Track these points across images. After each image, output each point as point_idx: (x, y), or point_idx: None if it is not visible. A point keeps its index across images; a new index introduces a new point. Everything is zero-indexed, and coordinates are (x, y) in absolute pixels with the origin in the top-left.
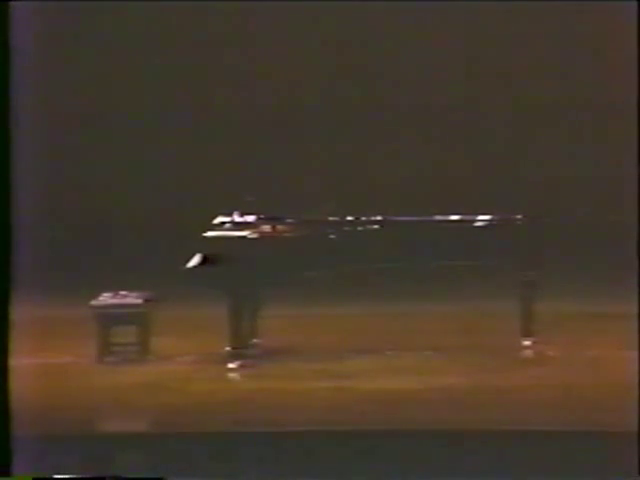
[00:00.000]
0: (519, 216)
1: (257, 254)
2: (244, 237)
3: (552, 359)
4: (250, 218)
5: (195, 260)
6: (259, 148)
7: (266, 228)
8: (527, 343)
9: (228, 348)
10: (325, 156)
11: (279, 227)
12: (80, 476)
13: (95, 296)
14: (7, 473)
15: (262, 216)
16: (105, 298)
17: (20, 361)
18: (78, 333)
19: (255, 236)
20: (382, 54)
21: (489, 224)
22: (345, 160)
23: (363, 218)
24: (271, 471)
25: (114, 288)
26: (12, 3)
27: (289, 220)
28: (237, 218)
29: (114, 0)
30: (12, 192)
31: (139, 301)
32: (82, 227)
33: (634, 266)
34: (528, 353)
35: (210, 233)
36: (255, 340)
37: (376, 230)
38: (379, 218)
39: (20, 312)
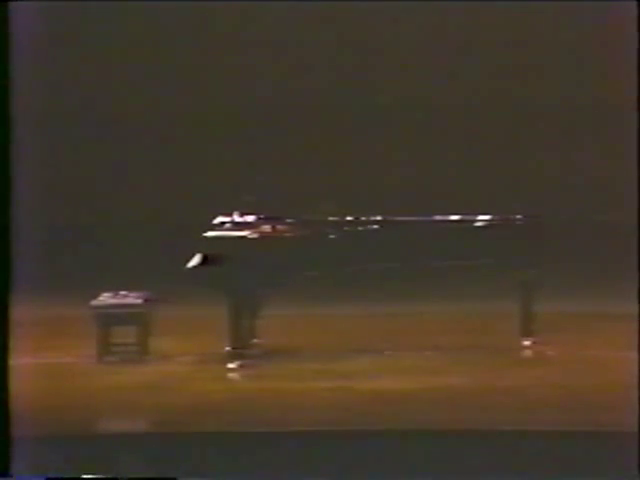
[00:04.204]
0: (519, 216)
1: (257, 254)
2: (244, 237)
3: (552, 359)
4: (250, 218)
5: (195, 260)
6: (259, 148)
7: (266, 228)
8: (527, 343)
9: (228, 348)
10: (325, 156)
11: (279, 227)
12: (80, 476)
13: (95, 296)
14: (7, 473)
15: (262, 216)
16: (105, 298)
17: (20, 361)
18: (78, 333)
19: (255, 236)
20: (383, 54)
21: (489, 224)
22: (345, 160)
23: (363, 218)
24: (271, 471)
25: (114, 288)
26: (12, 3)
27: (289, 220)
28: (237, 218)
29: (114, 0)
30: (12, 193)
31: (139, 301)
32: (82, 227)
33: (634, 266)
34: (528, 353)
35: (210, 233)
36: (255, 340)
37: (376, 230)
38: (379, 218)
39: (20, 312)
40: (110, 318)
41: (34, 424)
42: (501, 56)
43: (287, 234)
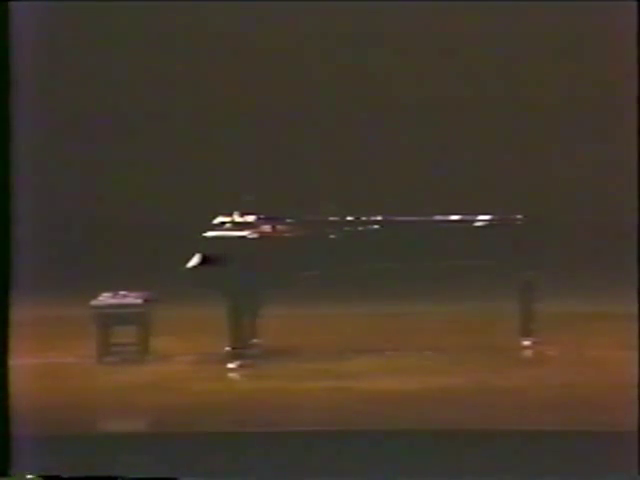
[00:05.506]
0: (519, 216)
1: (257, 254)
2: (244, 237)
3: (552, 359)
4: (250, 218)
5: (195, 260)
6: (259, 148)
7: (266, 228)
8: (527, 343)
9: (228, 348)
10: (325, 156)
11: (279, 227)
12: (80, 476)
13: (95, 296)
14: (7, 473)
15: (262, 216)
16: (105, 298)
17: (20, 361)
18: (78, 333)
19: (255, 236)
20: (382, 53)
21: (489, 224)
22: (345, 160)
23: (363, 218)
24: (271, 471)
25: (114, 288)
26: (12, 3)
27: (289, 220)
28: (237, 218)
29: (115, 0)
30: (12, 193)
31: (139, 301)
32: (82, 227)
33: (634, 266)
34: (528, 353)
35: (210, 233)
36: (255, 340)
37: (376, 230)
38: (379, 218)
39: (20, 312)
40: (110, 318)
41: (34, 424)
42: (501, 56)
43: (287, 234)
